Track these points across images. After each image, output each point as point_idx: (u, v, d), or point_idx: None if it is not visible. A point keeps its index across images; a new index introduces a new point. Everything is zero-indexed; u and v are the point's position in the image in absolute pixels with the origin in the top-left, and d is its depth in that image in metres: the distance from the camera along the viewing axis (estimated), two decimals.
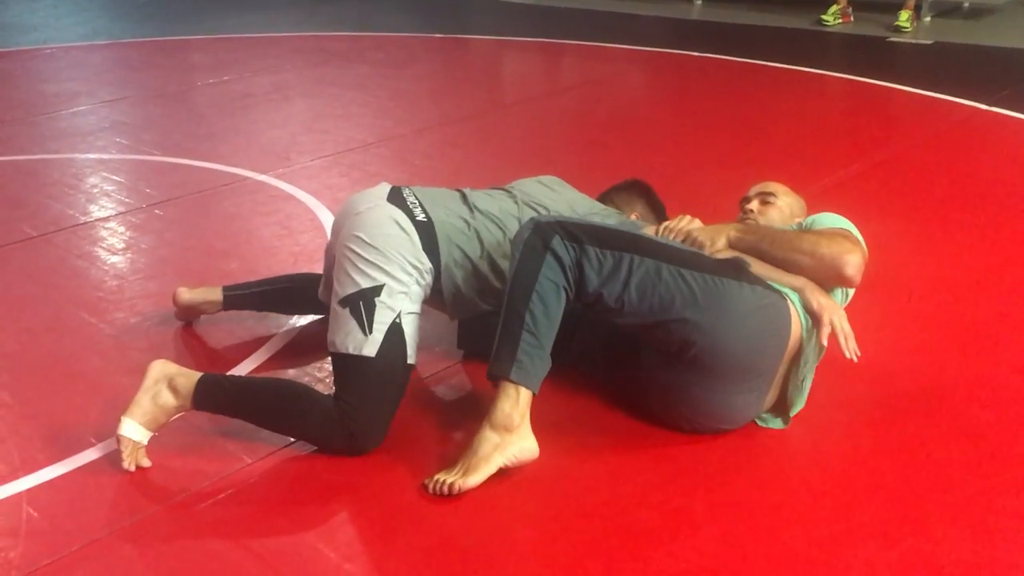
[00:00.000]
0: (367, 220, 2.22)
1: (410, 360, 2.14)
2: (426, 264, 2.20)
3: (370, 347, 2.08)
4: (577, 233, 1.98)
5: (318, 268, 3.12)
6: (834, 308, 2.08)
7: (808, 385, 2.16)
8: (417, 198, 2.31)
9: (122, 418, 2.05)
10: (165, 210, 3.73)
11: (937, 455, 2.11)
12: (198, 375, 2.12)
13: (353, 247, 2.17)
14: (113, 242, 3.42)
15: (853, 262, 2.06)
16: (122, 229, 3.54)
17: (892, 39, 6.76)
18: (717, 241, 2.17)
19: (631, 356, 2.23)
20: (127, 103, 5.46)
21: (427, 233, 2.22)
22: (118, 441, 2.06)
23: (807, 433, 2.17)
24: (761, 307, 2.05)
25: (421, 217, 2.24)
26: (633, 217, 2.62)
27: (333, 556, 1.84)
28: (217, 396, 2.12)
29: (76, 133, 4.84)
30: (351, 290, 2.13)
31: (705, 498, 1.98)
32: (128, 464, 2.05)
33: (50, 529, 1.92)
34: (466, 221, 2.28)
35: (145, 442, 2.08)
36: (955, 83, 5.34)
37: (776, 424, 2.18)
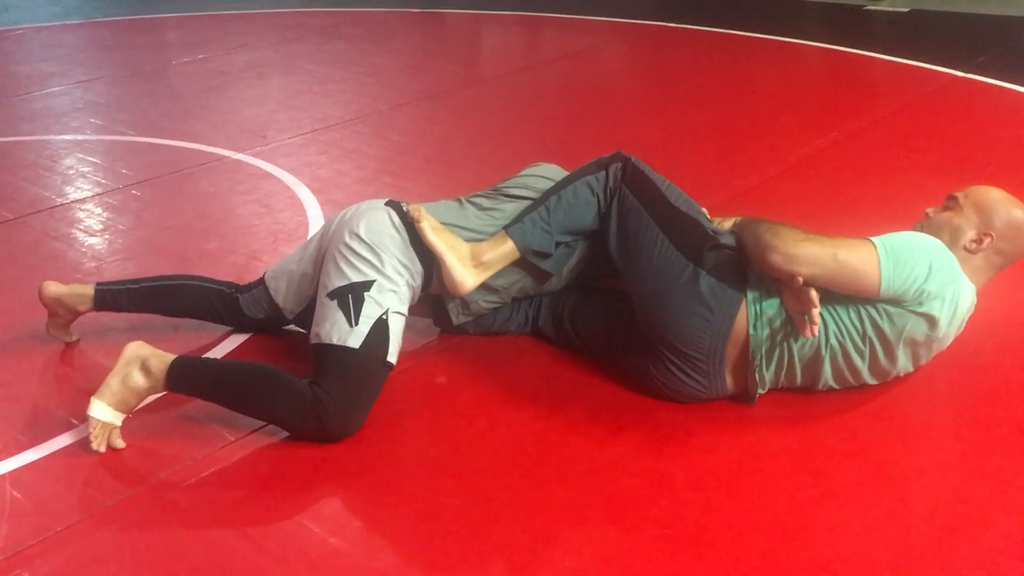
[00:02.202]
0: (364, 218, 2.22)
1: (391, 358, 2.14)
2: (416, 265, 2.22)
3: (354, 339, 2.08)
4: (630, 176, 2.26)
5: (297, 246, 3.12)
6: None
7: (769, 377, 2.15)
8: (408, 206, 2.30)
9: (92, 399, 2.05)
10: (142, 190, 3.70)
11: (912, 421, 2.15)
12: (172, 357, 2.10)
13: (348, 242, 2.18)
14: (90, 223, 3.40)
15: (779, 248, 1.99)
16: (99, 210, 3.52)
17: (869, 7, 6.76)
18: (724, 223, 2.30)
19: (607, 326, 2.34)
20: (101, 83, 5.40)
21: (413, 227, 2.23)
22: (88, 422, 2.05)
23: (787, 402, 2.20)
24: (694, 294, 2.09)
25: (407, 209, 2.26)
26: None
27: (318, 531, 1.85)
28: (190, 378, 2.11)
29: (50, 114, 4.79)
30: (340, 283, 2.14)
31: (686, 465, 2.01)
32: (98, 445, 2.04)
33: (35, 511, 1.93)
34: (462, 227, 2.30)
35: (118, 423, 2.08)
36: (932, 51, 5.36)
37: (744, 400, 2.21)
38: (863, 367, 2.13)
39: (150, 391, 2.10)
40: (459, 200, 2.45)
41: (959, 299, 2.06)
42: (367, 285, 2.13)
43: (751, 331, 2.10)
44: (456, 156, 4.05)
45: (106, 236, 3.30)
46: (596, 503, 1.90)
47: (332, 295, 2.13)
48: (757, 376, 2.13)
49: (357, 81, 5.34)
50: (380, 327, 2.11)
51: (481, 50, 6.61)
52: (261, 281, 2.44)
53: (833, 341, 2.08)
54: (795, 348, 2.10)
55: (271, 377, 2.13)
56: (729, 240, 2.18)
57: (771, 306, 2.09)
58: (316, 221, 3.33)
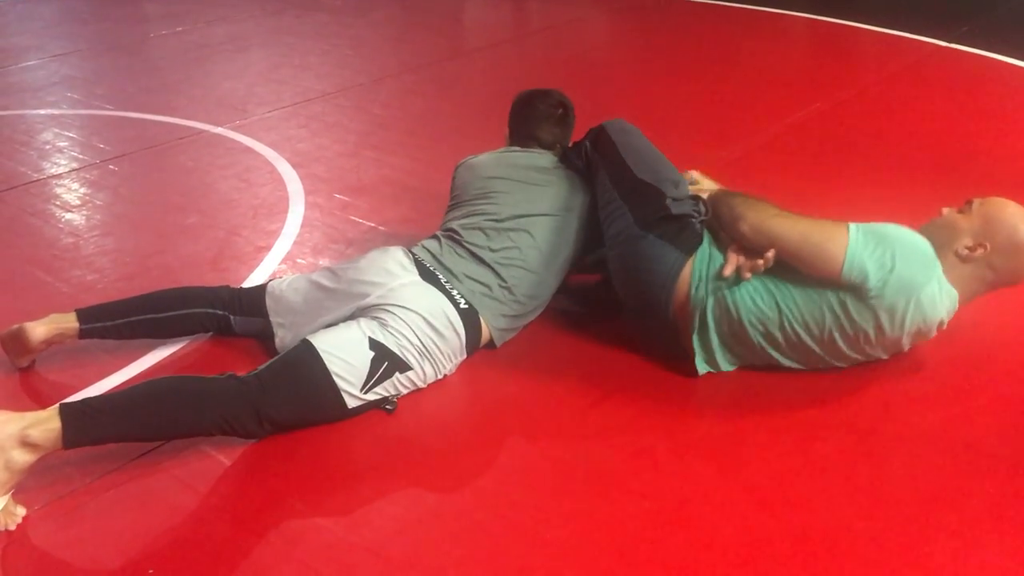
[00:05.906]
0: (424, 303, 2.16)
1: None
2: (459, 358, 2.24)
3: (355, 400, 2.05)
4: (600, 146, 2.48)
5: (277, 221, 3.11)
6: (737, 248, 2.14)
7: (709, 342, 2.16)
8: (448, 279, 2.26)
9: None
10: (120, 165, 3.66)
11: (892, 391, 2.15)
12: (53, 414, 1.83)
13: (416, 322, 2.12)
14: (68, 199, 3.36)
15: (749, 219, 2.10)
16: (76, 186, 3.47)
17: None
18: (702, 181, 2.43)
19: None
20: (78, 56, 5.32)
21: (471, 321, 2.22)
22: None
23: (767, 375, 2.20)
24: (641, 256, 2.21)
25: (464, 305, 2.22)
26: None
27: (299, 506, 1.84)
28: (94, 425, 1.86)
29: (26, 88, 4.71)
30: (391, 346, 2.08)
31: (667, 439, 2.01)
32: (8, 526, 1.80)
33: None
34: (496, 284, 2.29)
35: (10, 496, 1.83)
36: (915, 21, 5.35)
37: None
38: (823, 354, 2.13)
39: (41, 459, 1.84)
40: (461, 244, 2.36)
41: (926, 303, 2.02)
42: (404, 367, 2.10)
43: (692, 291, 2.14)
44: (439, 129, 4.02)
45: (84, 211, 3.26)
46: (579, 476, 1.90)
47: (374, 345, 2.07)
48: (698, 339, 2.17)
49: (338, 54, 5.28)
50: (377, 403, 2.10)
51: (464, 22, 6.55)
52: (262, 308, 2.32)
53: (787, 327, 2.08)
54: (745, 320, 2.11)
55: (194, 388, 1.97)
56: (685, 208, 2.22)
57: (715, 268, 2.13)
58: (296, 195, 3.30)
